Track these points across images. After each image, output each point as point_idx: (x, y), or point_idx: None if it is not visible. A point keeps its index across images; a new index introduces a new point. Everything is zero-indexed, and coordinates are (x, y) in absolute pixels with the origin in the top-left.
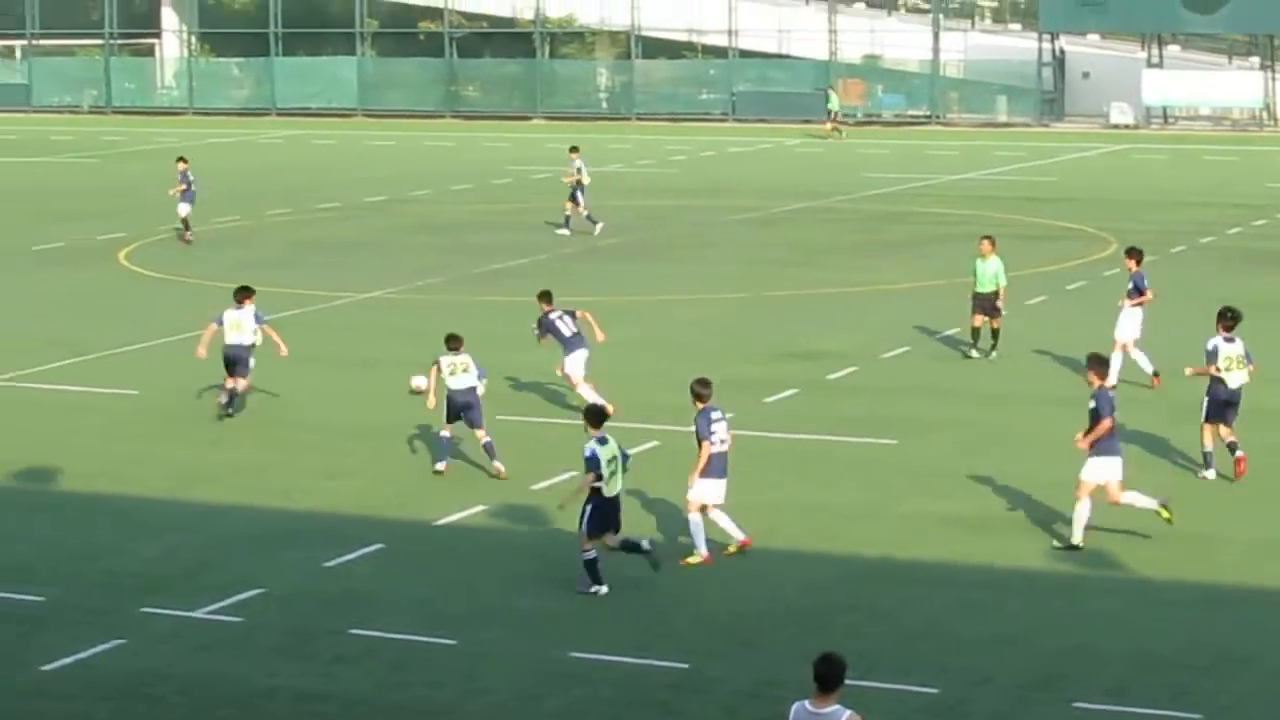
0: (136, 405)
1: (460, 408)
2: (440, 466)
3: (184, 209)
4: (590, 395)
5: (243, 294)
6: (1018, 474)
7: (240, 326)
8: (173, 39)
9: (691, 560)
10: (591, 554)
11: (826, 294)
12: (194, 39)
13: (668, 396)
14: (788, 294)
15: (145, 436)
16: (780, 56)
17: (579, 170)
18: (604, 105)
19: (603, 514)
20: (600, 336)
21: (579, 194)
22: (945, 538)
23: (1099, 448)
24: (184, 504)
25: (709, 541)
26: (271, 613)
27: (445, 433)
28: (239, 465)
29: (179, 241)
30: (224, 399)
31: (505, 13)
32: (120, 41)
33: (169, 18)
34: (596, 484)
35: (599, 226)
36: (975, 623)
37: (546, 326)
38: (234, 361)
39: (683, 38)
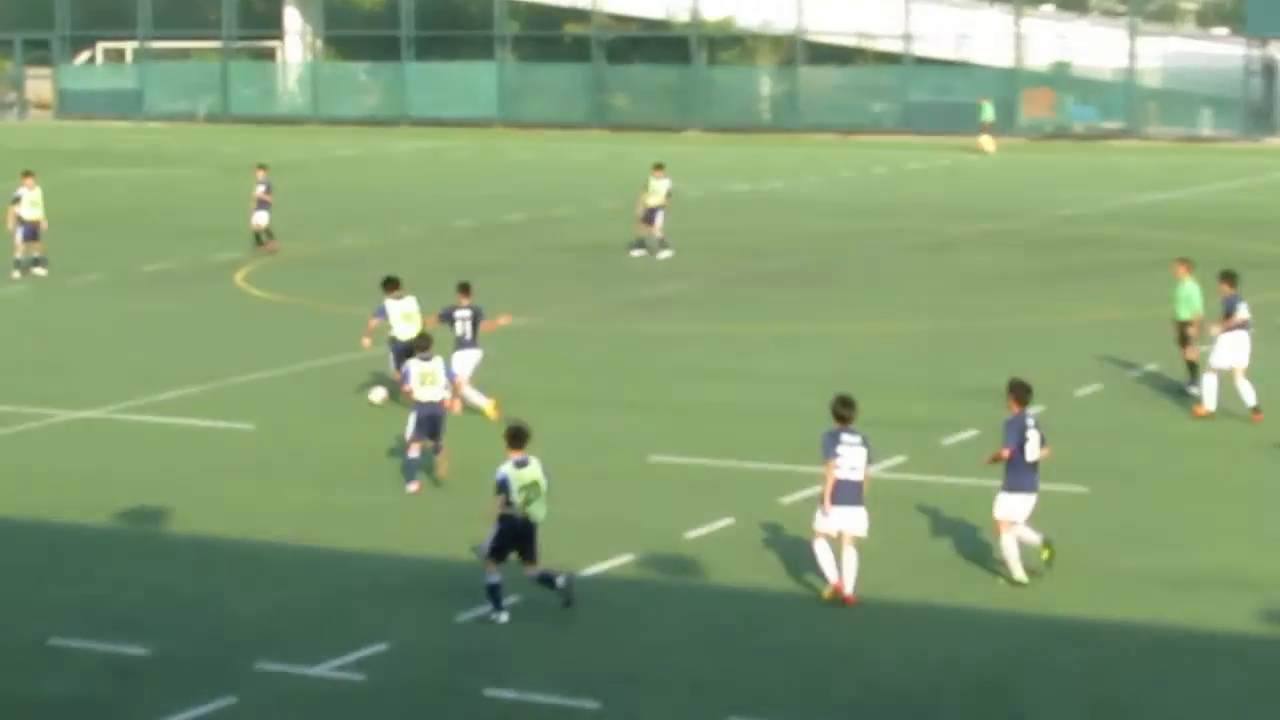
0: (254, 441)
1: (428, 420)
2: (413, 488)
3: (261, 218)
4: (475, 397)
5: (391, 285)
6: (1225, 526)
7: (411, 317)
8: (296, 41)
9: (825, 594)
10: (495, 578)
11: (1010, 325)
12: (319, 41)
13: None
14: (967, 325)
15: (263, 475)
16: (959, 63)
17: (668, 193)
18: (765, 116)
19: (510, 538)
20: (502, 320)
21: (658, 215)
22: (1144, 596)
23: (1008, 483)
24: (304, 550)
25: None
26: (398, 670)
27: (414, 453)
28: (364, 508)
29: (258, 250)
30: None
31: (658, 14)
32: (239, 44)
33: (292, 18)
34: (507, 509)
35: (664, 253)
36: (1179, 691)
37: (444, 317)
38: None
39: (852, 42)
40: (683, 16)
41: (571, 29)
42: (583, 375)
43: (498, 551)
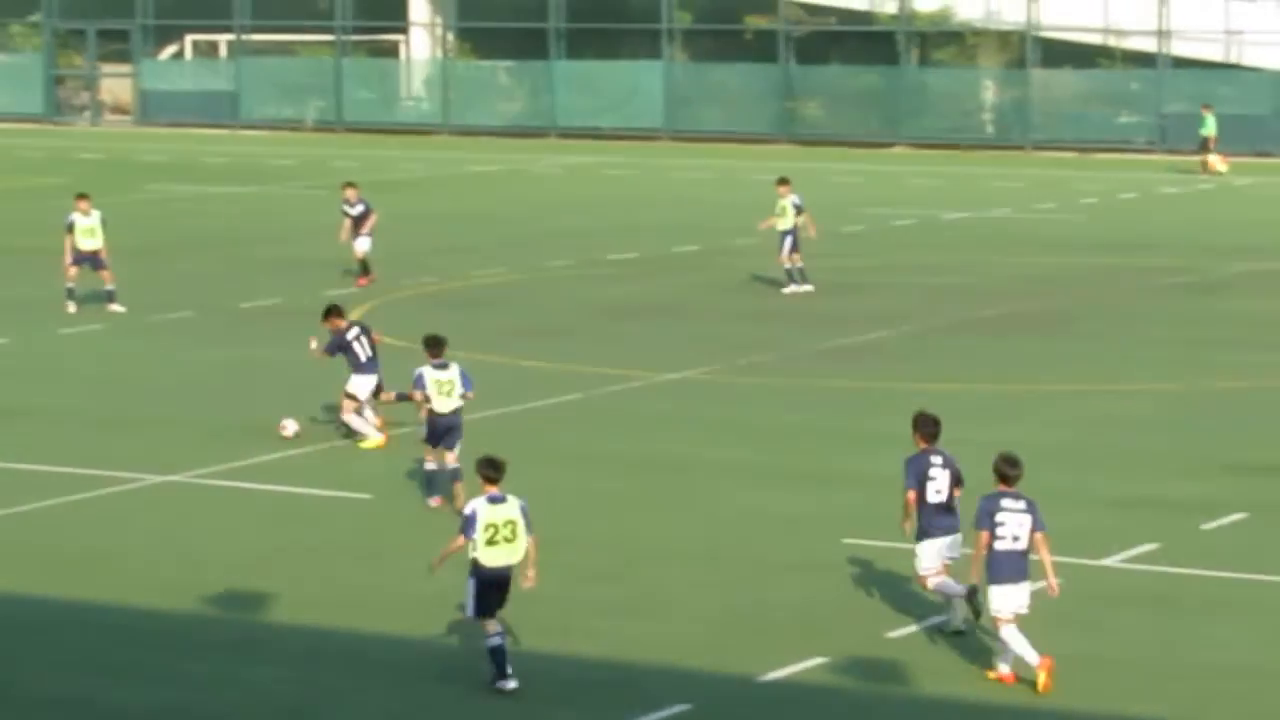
0: (370, 512)
1: (444, 431)
2: (434, 503)
3: (363, 245)
4: (359, 425)
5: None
6: None
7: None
8: (423, 35)
9: (991, 675)
10: (495, 640)
11: None
12: (451, 35)
13: (1078, 519)
14: (1237, 385)
15: (381, 553)
16: (1228, 66)
17: (798, 211)
18: (989, 129)
19: (490, 586)
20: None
21: (788, 240)
22: None
23: (919, 528)
24: (430, 644)
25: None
26: None
27: (431, 464)
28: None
29: (361, 280)
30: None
31: (859, 5)
32: (355, 38)
33: (419, 7)
34: (473, 552)
35: (802, 287)
36: None
37: (339, 346)
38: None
39: (1096, 40)
40: (889, 7)
41: (754, 21)
42: (763, 440)
43: (484, 607)
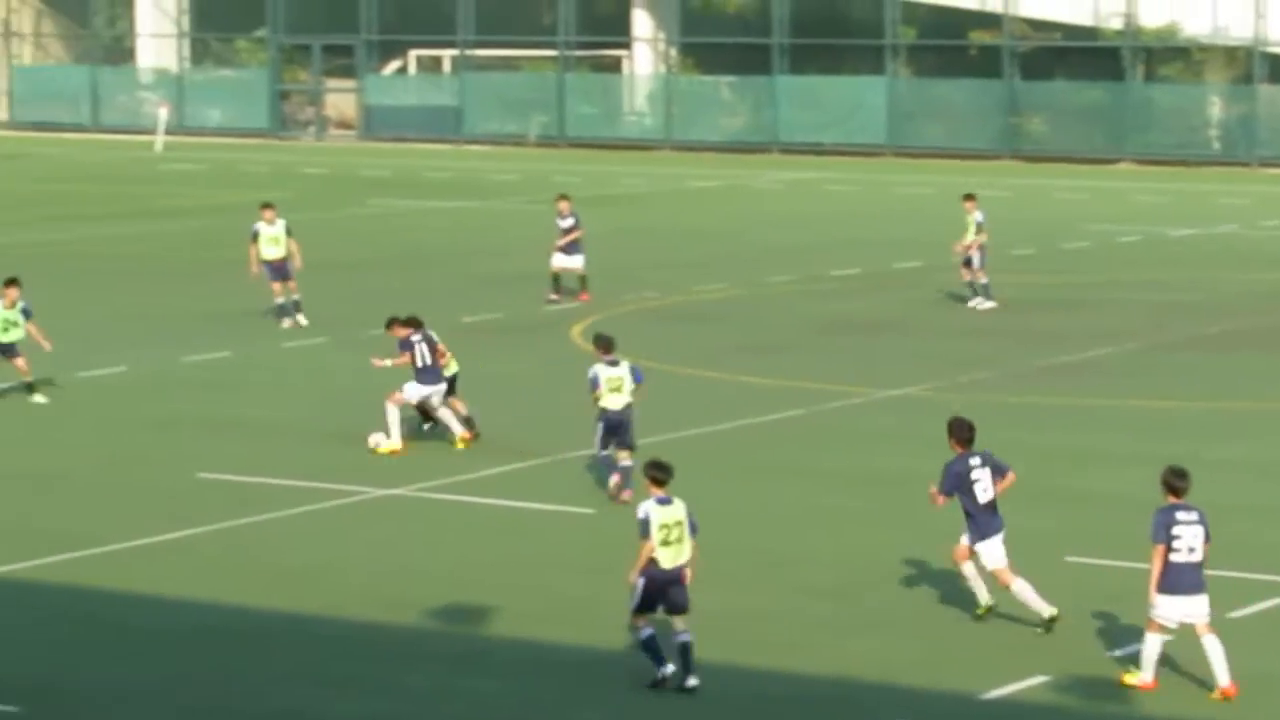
0: (592, 527)
1: (616, 426)
2: (626, 495)
3: (575, 261)
4: (394, 421)
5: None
6: None
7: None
8: (646, 50)
9: (1129, 679)
10: (647, 631)
11: None
12: (674, 51)
13: None
14: None
15: (602, 567)
16: None
17: (979, 227)
18: (1215, 146)
19: (658, 588)
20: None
21: (980, 255)
22: None
23: (970, 532)
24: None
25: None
26: None
27: (604, 453)
28: (725, 612)
29: (554, 297)
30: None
31: (1084, 20)
32: (578, 53)
33: (642, 22)
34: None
35: (984, 303)
36: None
37: (404, 346)
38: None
39: None
40: (1115, 23)
41: (978, 37)
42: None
43: (646, 605)
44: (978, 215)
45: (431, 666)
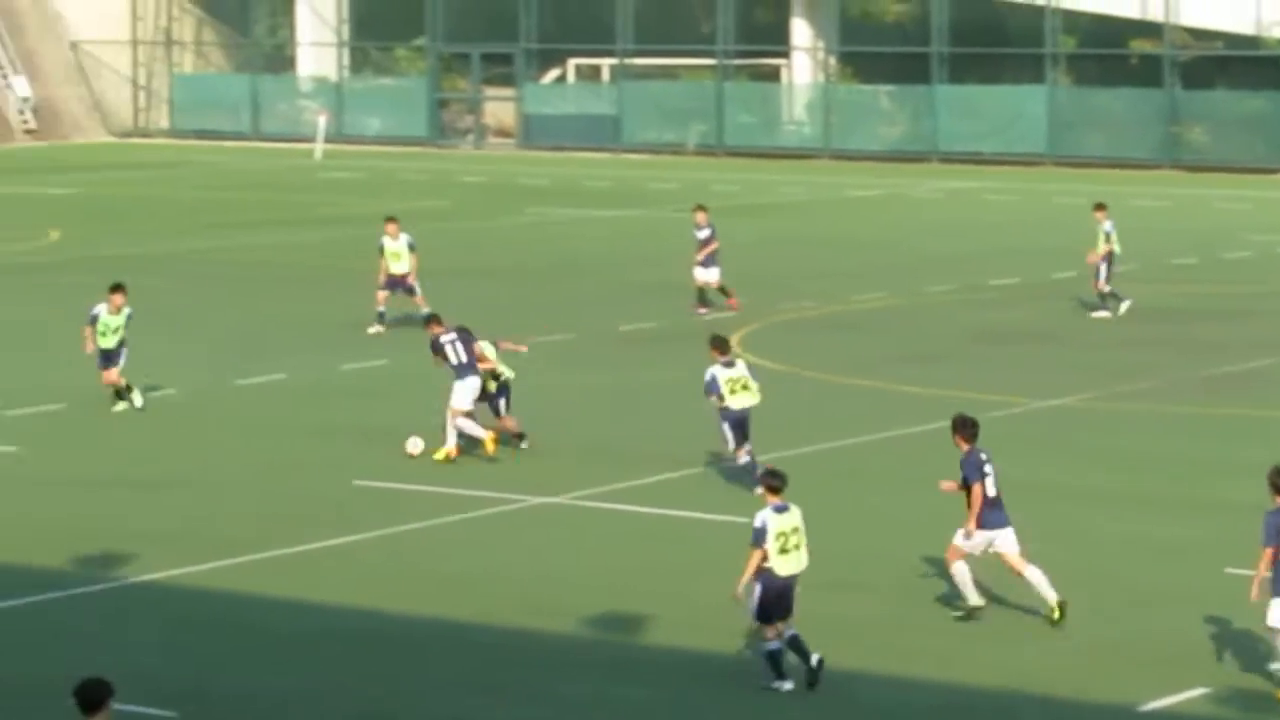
0: (745, 535)
1: (741, 424)
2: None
3: (709, 274)
4: (471, 428)
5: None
6: None
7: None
8: (804, 59)
9: None
10: (774, 644)
11: None
12: (833, 59)
13: None
14: None
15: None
16: None
17: (1107, 236)
18: None
19: (775, 596)
20: (522, 348)
21: (1107, 263)
22: None
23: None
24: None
25: None
26: None
27: (744, 457)
28: (872, 620)
29: (698, 309)
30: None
31: (1246, 29)
32: (737, 61)
33: (801, 31)
34: (766, 562)
35: (1124, 304)
36: None
37: (434, 348)
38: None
39: None
40: (1277, 32)
41: (1139, 46)
42: (1142, 468)
43: (766, 614)
44: (1107, 225)
45: (585, 674)
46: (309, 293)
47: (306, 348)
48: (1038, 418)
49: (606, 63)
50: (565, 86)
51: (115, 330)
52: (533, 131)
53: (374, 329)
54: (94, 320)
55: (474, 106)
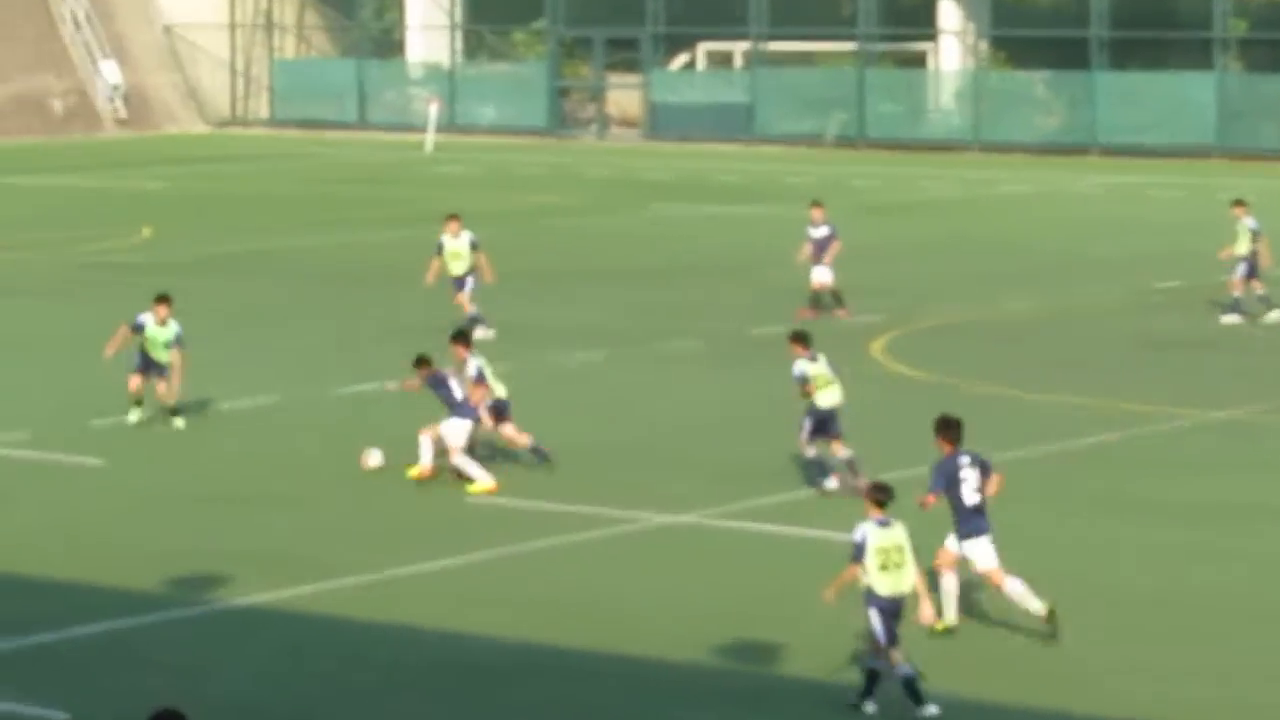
0: None
1: (825, 423)
2: (831, 484)
3: (823, 275)
4: (466, 465)
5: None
6: None
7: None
8: (953, 44)
9: None
10: (907, 669)
11: None
12: (983, 44)
13: None
14: None
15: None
16: None
17: (1255, 235)
18: None
19: (891, 617)
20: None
21: (1241, 266)
22: None
23: (958, 530)
24: (939, 695)
25: None
26: None
27: (811, 451)
28: (1029, 651)
29: (806, 314)
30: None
31: None
32: (880, 46)
33: (949, 13)
34: (865, 578)
35: (1274, 313)
36: None
37: (434, 383)
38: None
39: None
40: None
41: None
42: None
43: (890, 636)
44: (1249, 222)
45: (716, 706)
46: (418, 294)
47: (414, 354)
48: (1209, 431)
49: (739, 47)
50: (694, 73)
51: (165, 345)
52: (659, 122)
53: (481, 333)
54: (139, 328)
55: (597, 95)
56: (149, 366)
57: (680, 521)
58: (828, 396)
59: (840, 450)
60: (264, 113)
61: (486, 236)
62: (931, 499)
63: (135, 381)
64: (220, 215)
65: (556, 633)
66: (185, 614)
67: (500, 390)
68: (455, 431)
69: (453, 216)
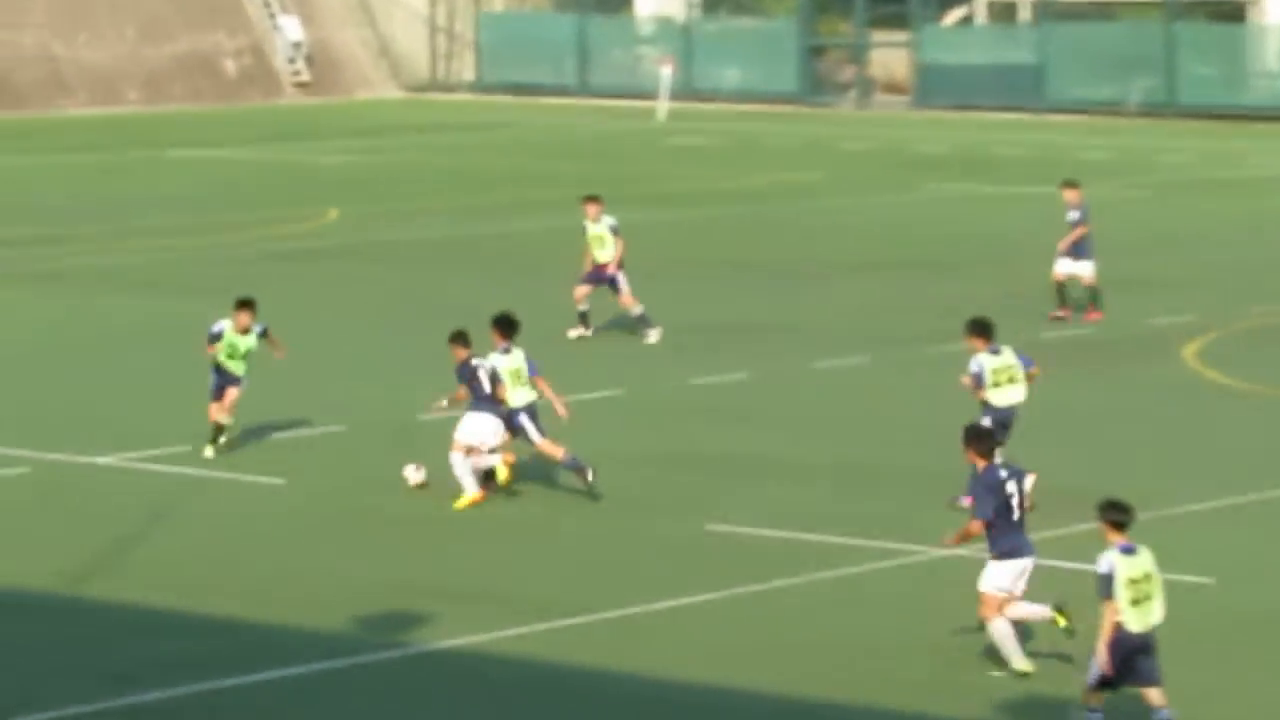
0: (1209, 600)
1: (1003, 426)
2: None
3: (1077, 267)
4: (462, 471)
5: None
6: None
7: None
8: None
9: None
10: (1097, 716)
11: None
12: None
13: None
14: None
15: (1219, 656)
16: None
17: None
18: None
19: (1127, 655)
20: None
21: None
22: None
23: (997, 547)
24: None
25: None
26: None
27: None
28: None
29: (1060, 315)
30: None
31: None
32: None
33: None
34: (1117, 616)
35: None
36: None
37: (464, 375)
38: None
39: None
40: None
41: None
42: None
43: (1108, 680)
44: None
45: None
46: (650, 287)
47: (647, 355)
48: None
49: None
50: (973, 29)
51: (245, 354)
52: (931, 86)
53: (575, 332)
54: (216, 338)
55: (857, 55)
56: (225, 383)
57: (962, 554)
58: (1005, 394)
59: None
60: (468, 75)
61: (724, 219)
62: (978, 526)
63: (216, 409)
64: (418, 195)
65: (805, 680)
66: (379, 658)
67: (521, 398)
68: (471, 430)
69: (592, 198)
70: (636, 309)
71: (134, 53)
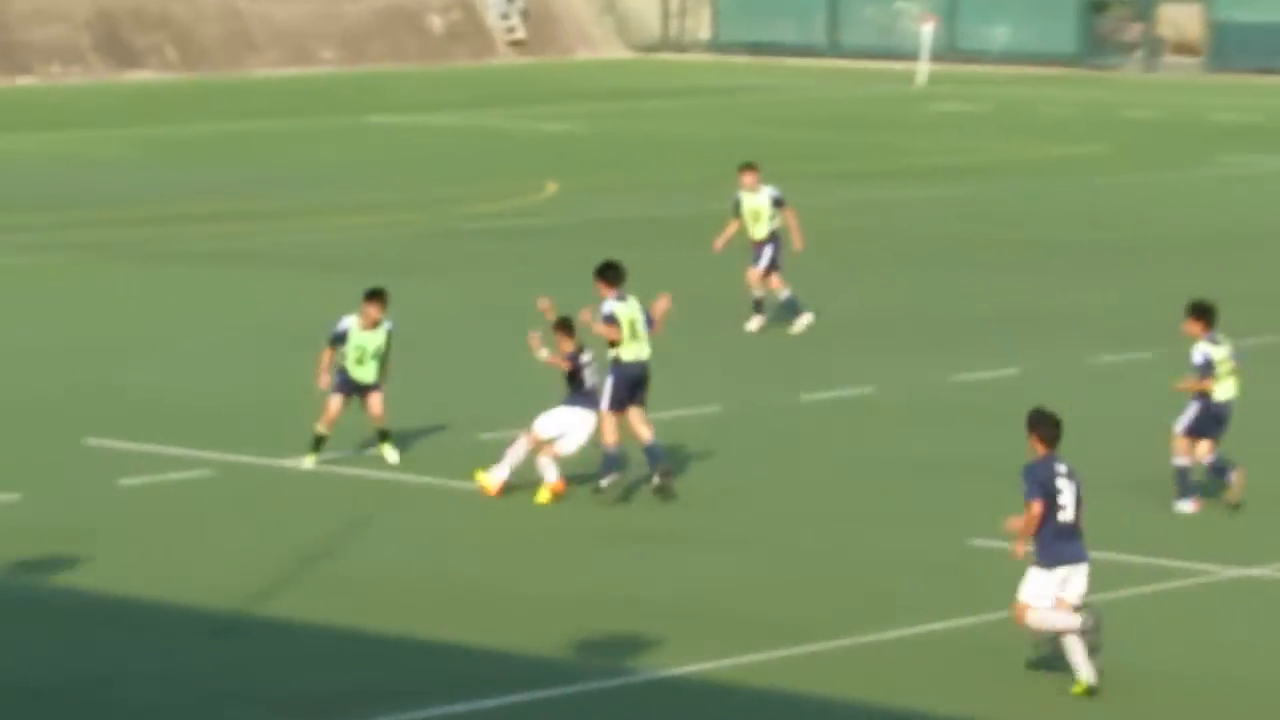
0: None
1: (1219, 417)
2: (1187, 507)
3: None
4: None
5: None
6: None
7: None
8: None
9: None
10: None
11: None
12: None
13: None
14: None
15: None
16: None
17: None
18: None
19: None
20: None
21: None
22: None
23: (1041, 552)
24: None
25: None
26: None
27: (1182, 459)
28: None
29: None
30: None
31: None
32: None
33: None
34: None
35: None
36: None
37: (571, 360)
38: None
39: None
40: None
41: None
42: None
43: None
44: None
45: None
46: (909, 272)
47: (904, 348)
48: None
49: None
50: None
51: (374, 354)
52: (1228, 47)
53: (753, 323)
54: (338, 340)
55: (1144, 12)
56: (351, 386)
57: (1255, 575)
58: (1227, 389)
59: (1207, 455)
60: (704, 34)
61: (994, 194)
62: (1038, 509)
63: (335, 405)
64: (646, 167)
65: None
66: (604, 686)
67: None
68: (558, 422)
69: (748, 166)
70: (784, 292)
71: (329, 7)
